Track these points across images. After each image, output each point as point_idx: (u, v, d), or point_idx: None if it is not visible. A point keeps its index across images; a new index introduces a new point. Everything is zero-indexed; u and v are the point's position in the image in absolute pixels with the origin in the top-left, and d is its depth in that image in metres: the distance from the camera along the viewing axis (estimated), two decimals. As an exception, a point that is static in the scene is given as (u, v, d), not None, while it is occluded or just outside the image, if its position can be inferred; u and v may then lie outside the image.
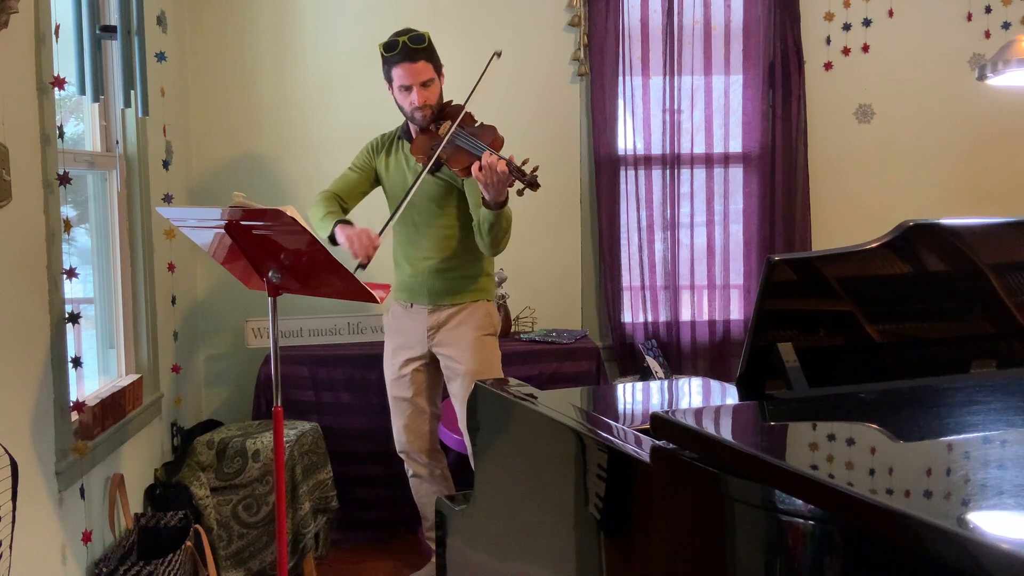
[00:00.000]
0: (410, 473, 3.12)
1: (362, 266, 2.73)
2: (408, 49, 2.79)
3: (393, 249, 3.05)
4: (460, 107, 2.84)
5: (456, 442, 3.23)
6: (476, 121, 2.87)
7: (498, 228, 2.73)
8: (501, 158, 2.56)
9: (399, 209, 2.83)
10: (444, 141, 2.76)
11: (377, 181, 3.06)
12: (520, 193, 2.60)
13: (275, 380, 2.45)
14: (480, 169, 2.56)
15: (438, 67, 2.86)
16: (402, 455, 3.11)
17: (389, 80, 2.87)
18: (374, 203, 3.10)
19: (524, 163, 2.56)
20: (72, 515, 2.43)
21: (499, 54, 2.79)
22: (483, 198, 2.67)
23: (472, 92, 2.81)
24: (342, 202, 3.00)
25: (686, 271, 4.03)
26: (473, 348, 2.91)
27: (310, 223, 2.93)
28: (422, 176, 2.80)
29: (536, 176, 2.54)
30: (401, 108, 2.90)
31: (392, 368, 3.06)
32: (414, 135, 2.94)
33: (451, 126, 2.78)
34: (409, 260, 2.99)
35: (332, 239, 2.83)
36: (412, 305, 3.00)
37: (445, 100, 2.91)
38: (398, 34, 2.83)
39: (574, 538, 1.69)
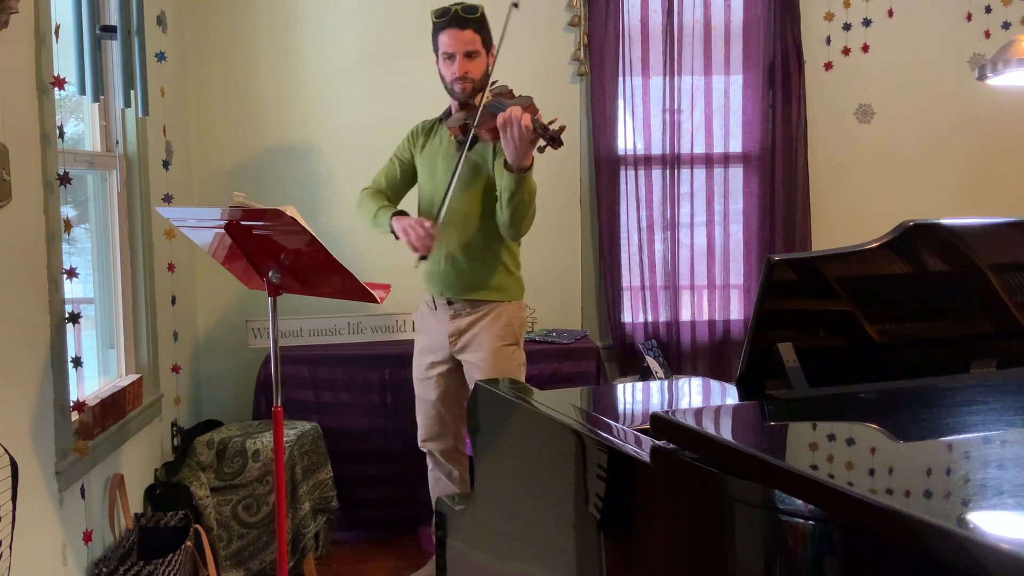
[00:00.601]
0: (429, 467, 3.09)
1: (423, 257, 2.69)
2: (457, 16, 2.72)
3: None
4: (504, 87, 2.74)
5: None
6: (515, 95, 2.75)
7: (519, 199, 2.61)
8: (527, 112, 2.47)
9: (449, 191, 2.71)
10: (479, 111, 2.66)
11: (414, 168, 2.98)
12: (541, 150, 2.47)
13: (275, 380, 2.45)
14: (503, 122, 2.47)
15: (487, 42, 2.78)
16: (423, 447, 3.07)
17: (435, 48, 2.79)
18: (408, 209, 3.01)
19: (552, 122, 2.45)
20: (72, 515, 2.43)
21: (516, 5, 2.68)
22: (505, 161, 2.57)
23: (498, 47, 2.70)
24: (389, 195, 2.94)
25: (686, 271, 4.03)
26: (491, 360, 2.83)
27: (363, 218, 2.92)
28: (464, 153, 2.70)
29: (560, 132, 2.43)
30: (443, 80, 2.81)
31: (419, 368, 3.02)
32: (453, 111, 2.85)
33: (484, 95, 2.68)
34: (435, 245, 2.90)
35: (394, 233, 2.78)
36: (436, 307, 2.94)
37: (493, 80, 2.80)
38: (454, 3, 2.76)
39: (574, 538, 1.69)
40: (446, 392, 2.98)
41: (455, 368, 2.96)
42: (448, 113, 2.92)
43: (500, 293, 2.89)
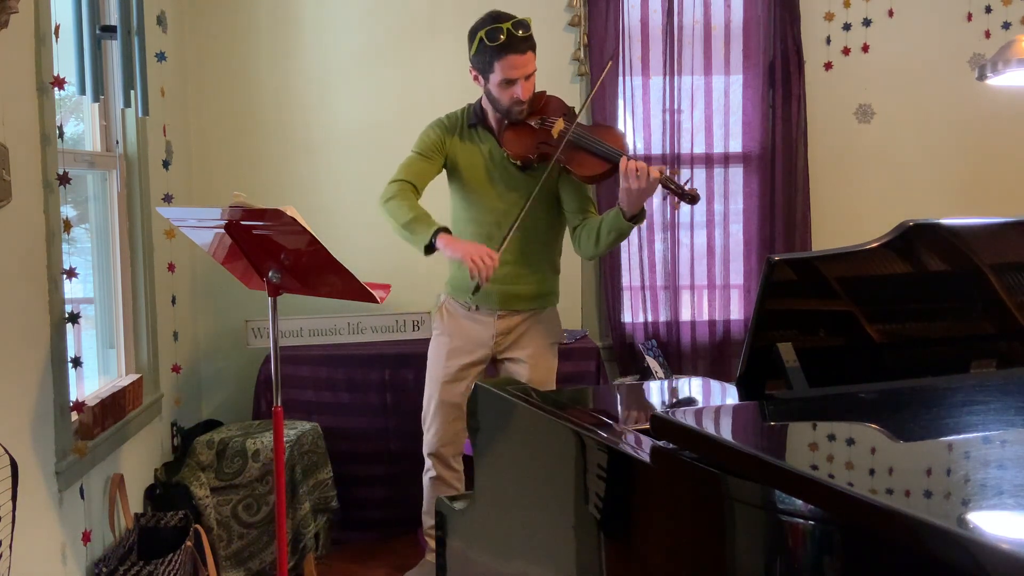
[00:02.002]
0: (432, 474, 2.99)
1: (479, 288, 2.55)
2: (515, 39, 2.55)
3: None
4: (562, 103, 2.67)
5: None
6: (567, 107, 2.68)
7: (616, 240, 2.61)
8: (655, 167, 2.44)
9: (518, 218, 2.59)
10: (563, 143, 2.58)
11: (444, 166, 2.83)
12: (676, 207, 2.53)
13: (275, 380, 2.45)
14: (627, 172, 2.41)
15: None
16: (430, 457, 2.97)
17: (484, 71, 2.64)
18: (428, 195, 2.87)
19: (675, 173, 2.46)
20: (72, 515, 2.43)
21: (613, 60, 2.66)
22: (621, 208, 2.52)
23: (590, 96, 2.71)
24: (417, 193, 2.75)
25: (686, 271, 4.03)
26: (541, 357, 2.81)
27: (390, 218, 2.69)
28: (544, 178, 2.61)
29: (696, 190, 2.45)
30: (495, 100, 2.68)
31: (446, 371, 2.88)
32: (495, 125, 2.74)
33: (567, 125, 2.60)
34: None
35: (428, 248, 2.61)
36: (477, 308, 2.85)
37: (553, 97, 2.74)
38: (495, 19, 2.60)
39: (574, 538, 1.69)
40: None
41: (486, 369, 2.93)
42: (481, 118, 2.79)
43: (551, 298, 2.92)
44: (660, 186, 2.49)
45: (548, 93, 2.80)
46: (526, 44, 2.60)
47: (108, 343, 3.00)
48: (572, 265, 4.01)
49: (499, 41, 2.57)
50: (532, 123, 2.71)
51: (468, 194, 2.83)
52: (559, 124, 2.66)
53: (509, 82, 2.63)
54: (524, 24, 2.60)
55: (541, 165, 2.68)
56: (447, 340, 2.92)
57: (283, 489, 2.46)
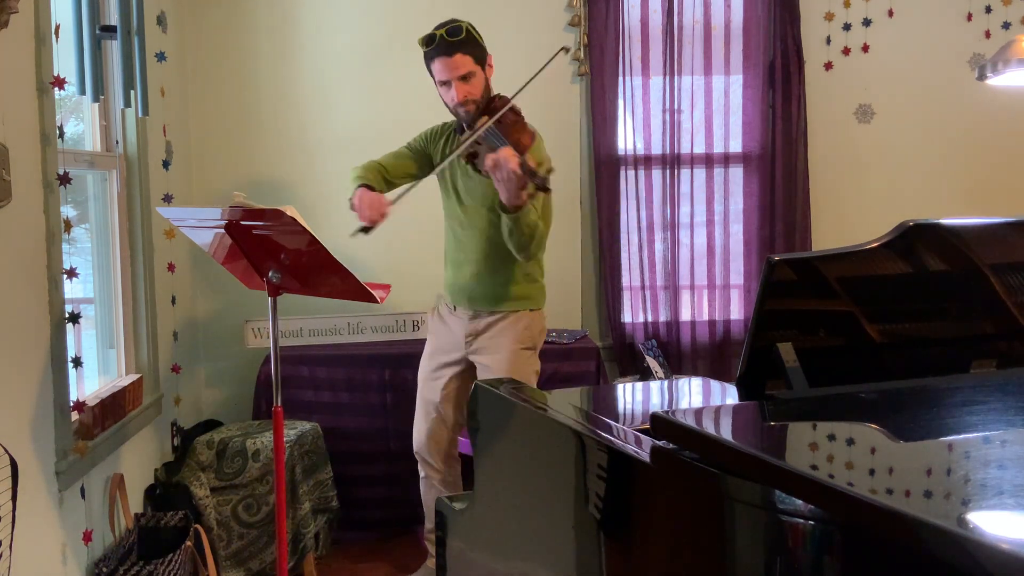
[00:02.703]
0: (422, 475, 3.08)
1: (364, 229, 2.65)
2: (444, 42, 2.66)
3: (444, 249, 2.99)
4: (506, 100, 2.70)
5: (459, 443, 3.24)
6: (521, 119, 2.70)
7: (518, 235, 2.63)
8: (517, 155, 2.44)
9: (414, 186, 2.76)
10: (473, 136, 2.64)
11: (429, 168, 2.90)
12: (531, 196, 2.50)
13: (275, 380, 2.45)
14: (494, 164, 2.45)
15: (480, 58, 2.71)
16: (417, 456, 3.06)
17: (431, 75, 2.75)
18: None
19: (539, 165, 2.45)
20: (72, 515, 2.43)
21: (567, 50, 2.65)
22: (500, 202, 2.57)
23: (524, 86, 2.66)
24: (385, 173, 2.87)
25: (686, 271, 4.03)
26: (508, 360, 2.82)
27: (349, 181, 2.84)
28: (446, 163, 2.73)
29: (547, 179, 2.43)
30: (446, 105, 2.78)
31: (426, 369, 3.01)
32: (465, 128, 2.81)
33: (486, 121, 2.64)
34: (454, 262, 2.93)
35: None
36: (456, 308, 2.94)
37: (495, 93, 2.76)
38: (437, 27, 2.70)
39: (574, 538, 1.69)
40: (451, 396, 2.97)
41: (465, 372, 2.95)
42: (461, 126, 2.86)
43: (522, 302, 2.90)
44: (524, 173, 2.45)
45: (503, 95, 2.77)
46: (454, 47, 2.67)
47: (108, 343, 3.00)
48: (572, 265, 4.02)
49: (432, 46, 2.69)
50: (480, 123, 2.72)
51: (443, 198, 2.96)
52: (482, 120, 2.68)
53: (444, 84, 2.72)
54: (457, 28, 2.68)
55: (469, 163, 2.71)
56: (431, 339, 3.04)
57: (283, 489, 2.46)
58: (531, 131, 2.68)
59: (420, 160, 2.93)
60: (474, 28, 2.73)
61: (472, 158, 2.69)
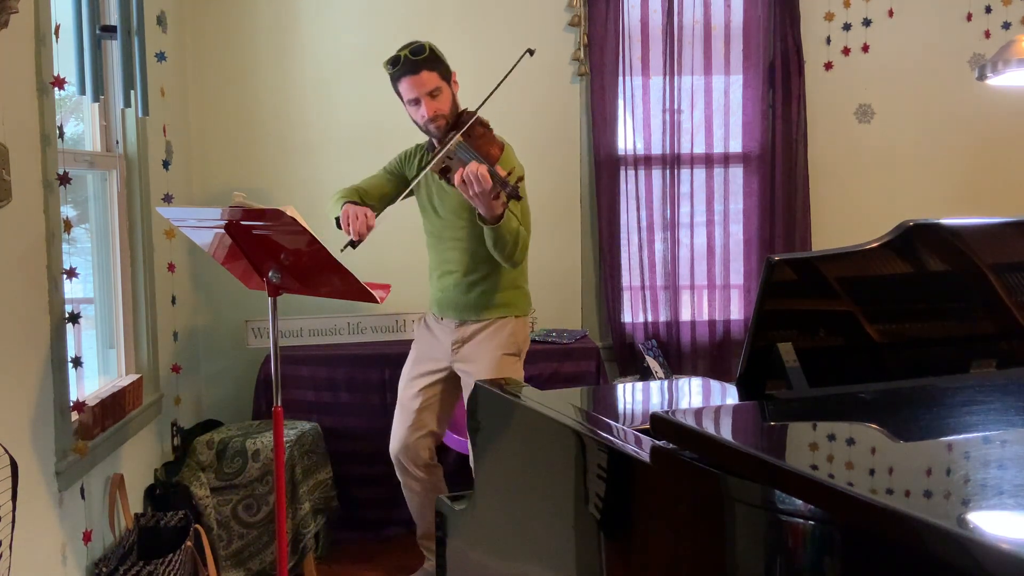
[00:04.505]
0: (401, 482, 3.06)
1: (352, 243, 2.69)
2: (409, 61, 2.72)
3: (428, 262, 3.03)
4: (472, 114, 2.74)
5: (458, 443, 3.23)
6: (489, 131, 2.75)
7: (502, 244, 2.67)
8: (483, 164, 2.49)
9: (394, 202, 2.84)
10: (443, 151, 2.68)
11: (404, 188, 2.95)
12: (504, 204, 2.53)
13: (275, 380, 2.45)
14: (463, 180, 2.49)
15: (445, 74, 2.77)
16: (394, 461, 3.04)
17: (400, 96, 2.80)
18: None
19: (509, 174, 2.49)
20: (72, 515, 2.43)
21: (532, 52, 2.69)
22: (479, 215, 2.61)
23: (489, 95, 2.70)
24: (364, 196, 2.94)
25: (686, 271, 4.03)
26: (492, 367, 2.84)
27: (330, 208, 2.91)
28: (420, 176, 2.78)
29: (518, 187, 2.48)
30: (416, 124, 2.83)
31: (407, 376, 3.03)
32: (436, 146, 2.86)
33: (454, 135, 2.69)
34: (438, 274, 2.96)
35: (338, 222, 2.79)
36: (443, 318, 2.97)
37: (462, 108, 2.81)
38: (401, 49, 2.77)
39: (574, 538, 1.69)
40: (431, 403, 2.98)
41: (447, 380, 2.97)
42: (432, 145, 2.88)
43: (507, 308, 2.92)
44: (495, 183, 2.49)
45: (469, 110, 2.80)
46: (420, 65, 2.72)
47: (108, 343, 3.00)
48: (572, 265, 4.02)
49: (396, 67, 2.75)
50: (448, 139, 2.75)
51: (422, 216, 3.02)
52: (451, 136, 2.72)
53: (413, 103, 2.77)
54: (420, 48, 2.73)
55: (442, 177, 2.75)
56: (416, 346, 3.08)
57: (283, 489, 2.46)
58: (500, 142, 2.73)
59: (396, 181, 2.99)
60: (436, 47, 2.78)
61: (445, 172, 2.72)
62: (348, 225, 2.70)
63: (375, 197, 2.96)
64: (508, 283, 2.91)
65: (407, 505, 3.14)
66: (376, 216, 2.79)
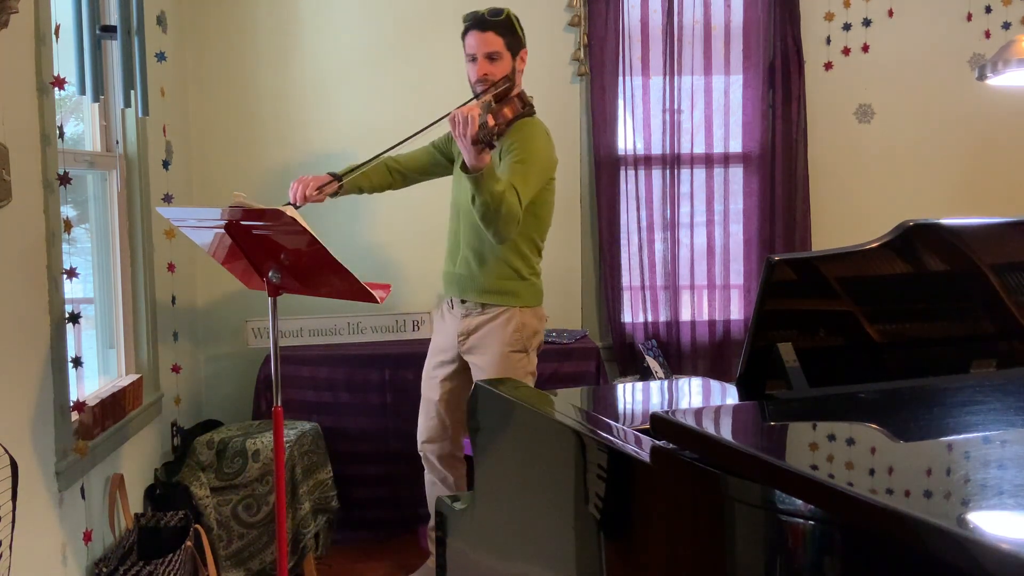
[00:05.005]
0: (426, 471, 3.08)
1: (291, 204, 2.72)
2: (481, 18, 2.75)
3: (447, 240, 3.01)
4: (515, 85, 2.74)
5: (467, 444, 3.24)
6: (524, 107, 2.54)
7: (481, 203, 2.49)
8: (477, 111, 2.38)
9: (370, 162, 2.88)
10: (466, 103, 2.60)
11: (445, 162, 3.02)
12: (480, 151, 2.36)
13: (275, 380, 2.45)
14: (452, 118, 2.38)
15: (512, 45, 2.76)
16: (421, 454, 3.07)
17: (465, 52, 2.83)
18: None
19: (496, 124, 2.36)
20: (72, 515, 2.43)
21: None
22: (463, 163, 2.46)
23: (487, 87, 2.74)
24: (397, 165, 3.01)
25: (686, 271, 4.03)
26: (497, 365, 2.83)
27: None
28: (431, 125, 2.75)
29: (493, 135, 2.33)
30: (470, 84, 2.83)
31: (427, 367, 3.05)
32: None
33: (485, 95, 2.65)
34: (449, 250, 2.96)
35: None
36: (452, 305, 2.96)
37: (519, 89, 2.72)
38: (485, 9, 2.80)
39: (574, 538, 1.69)
40: (449, 393, 2.97)
41: (462, 370, 2.95)
42: None
43: (510, 298, 2.85)
44: (479, 130, 2.36)
45: (521, 91, 2.71)
46: (489, 25, 2.75)
47: (108, 343, 3.00)
48: (572, 265, 4.02)
49: (469, 21, 2.79)
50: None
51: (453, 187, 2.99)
52: (483, 96, 2.66)
53: (471, 59, 2.79)
54: (498, 11, 2.77)
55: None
56: (433, 338, 3.08)
57: (283, 489, 2.46)
58: (521, 113, 2.54)
59: (435, 155, 3.02)
60: (517, 18, 2.81)
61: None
62: (296, 184, 2.80)
63: (413, 167, 3.02)
64: (510, 270, 2.83)
65: (415, 500, 3.13)
66: (411, 183, 2.91)
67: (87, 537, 2.49)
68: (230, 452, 3.11)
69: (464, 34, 2.80)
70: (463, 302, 2.91)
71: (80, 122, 2.97)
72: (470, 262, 2.87)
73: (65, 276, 2.36)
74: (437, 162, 3.03)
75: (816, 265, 1.61)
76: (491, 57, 2.74)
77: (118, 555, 2.61)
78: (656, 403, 2.08)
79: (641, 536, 1.52)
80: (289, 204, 2.70)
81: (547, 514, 1.77)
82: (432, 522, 3.10)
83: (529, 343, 2.89)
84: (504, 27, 2.76)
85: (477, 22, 2.76)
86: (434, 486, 3.05)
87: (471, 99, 2.72)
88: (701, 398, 2.10)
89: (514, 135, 2.73)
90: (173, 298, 3.41)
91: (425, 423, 3.03)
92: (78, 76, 2.48)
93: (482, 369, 2.85)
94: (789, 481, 1.21)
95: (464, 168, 2.46)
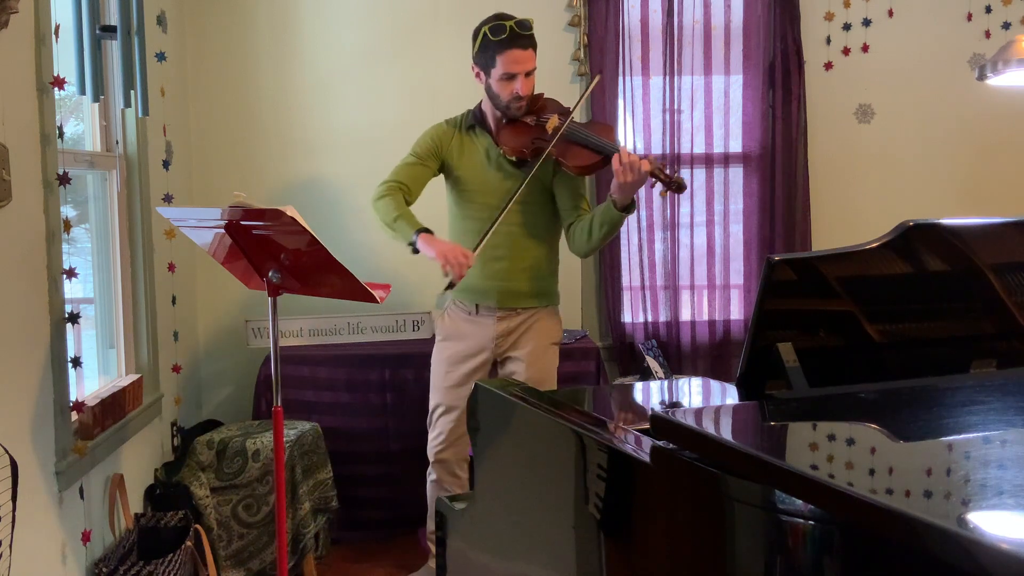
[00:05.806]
0: (433, 477, 3.00)
1: (452, 285, 2.63)
2: (517, 34, 2.67)
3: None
4: (558, 103, 2.80)
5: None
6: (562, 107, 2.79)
7: (614, 231, 2.70)
8: (643, 158, 2.54)
9: (500, 216, 2.68)
10: (557, 136, 2.67)
11: (441, 171, 2.89)
12: (663, 195, 2.65)
13: (275, 380, 2.45)
14: (620, 165, 2.52)
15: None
16: (437, 463, 2.97)
17: (487, 66, 2.73)
18: (427, 196, 2.95)
19: (664, 165, 2.56)
20: (72, 515, 2.43)
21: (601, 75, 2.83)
22: (612, 199, 2.61)
23: (584, 94, 2.91)
24: (407, 195, 2.81)
25: (686, 271, 4.03)
26: (539, 356, 2.85)
27: (379, 217, 2.79)
28: (533, 173, 2.70)
29: (681, 178, 2.56)
30: (495, 96, 2.76)
31: (450, 377, 2.91)
32: (494, 126, 2.81)
33: (561, 121, 2.70)
34: (483, 260, 2.77)
35: (413, 247, 2.69)
36: (477, 310, 2.89)
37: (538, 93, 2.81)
38: (499, 17, 2.71)
39: (574, 538, 1.69)
40: None
41: (491, 372, 2.96)
42: (480, 120, 2.85)
43: (552, 297, 2.95)
44: (650, 176, 2.58)
45: (545, 95, 2.86)
46: (528, 41, 2.71)
47: (108, 343, 3.00)
48: (572, 265, 4.01)
49: (502, 36, 2.68)
50: (528, 121, 2.79)
51: (465, 192, 2.88)
52: (553, 120, 2.75)
53: (510, 76, 2.72)
54: (526, 24, 2.71)
55: (535, 161, 2.73)
56: (449, 345, 2.96)
57: (283, 489, 2.45)
58: (608, 126, 2.79)
59: (434, 169, 2.89)
60: None
61: (537, 154, 2.72)
62: (447, 266, 2.59)
63: (418, 190, 2.86)
64: (551, 272, 2.93)
65: (423, 501, 3.09)
66: (480, 240, 2.69)
67: (87, 537, 2.49)
68: (230, 452, 3.11)
69: (498, 50, 2.68)
70: (505, 307, 2.87)
71: (80, 122, 2.97)
72: (518, 272, 2.85)
73: (65, 276, 2.36)
74: (431, 172, 2.91)
75: (816, 265, 1.61)
76: (529, 74, 2.73)
77: (118, 555, 2.61)
78: (656, 403, 2.08)
79: (641, 536, 1.52)
80: (450, 285, 2.64)
81: (547, 514, 1.77)
82: (431, 525, 3.10)
83: (560, 337, 3.00)
84: (533, 41, 2.74)
85: (516, 39, 2.67)
86: (442, 491, 2.98)
87: (556, 130, 2.72)
88: (701, 398, 2.10)
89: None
90: (173, 298, 3.41)
91: (447, 432, 2.92)
92: (78, 76, 2.48)
93: (522, 361, 2.86)
94: (789, 481, 1.21)
95: (615, 205, 2.62)
